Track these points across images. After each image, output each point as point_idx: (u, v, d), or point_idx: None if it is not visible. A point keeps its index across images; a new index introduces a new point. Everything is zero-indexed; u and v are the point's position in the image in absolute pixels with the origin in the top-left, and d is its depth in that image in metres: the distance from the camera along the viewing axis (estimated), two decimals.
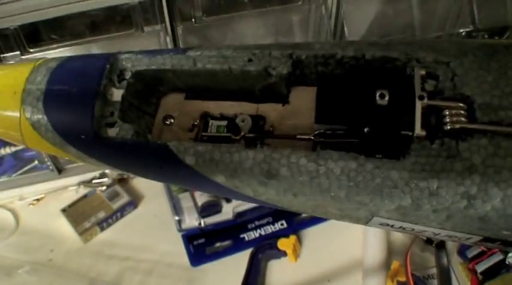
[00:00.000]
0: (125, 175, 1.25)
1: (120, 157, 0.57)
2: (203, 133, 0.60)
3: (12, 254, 1.11)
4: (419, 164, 0.49)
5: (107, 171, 1.24)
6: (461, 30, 1.10)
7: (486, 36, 1.22)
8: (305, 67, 0.59)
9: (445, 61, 0.54)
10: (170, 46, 0.94)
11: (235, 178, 0.54)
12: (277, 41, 1.01)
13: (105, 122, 0.57)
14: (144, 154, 0.55)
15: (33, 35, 0.87)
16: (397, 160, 0.50)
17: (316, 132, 0.55)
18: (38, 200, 1.22)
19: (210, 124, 0.61)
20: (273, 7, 0.97)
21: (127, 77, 0.60)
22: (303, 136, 0.56)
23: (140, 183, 1.25)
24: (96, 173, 1.24)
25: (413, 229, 0.56)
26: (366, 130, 0.53)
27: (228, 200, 1.17)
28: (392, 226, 0.57)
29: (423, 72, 0.53)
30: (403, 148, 0.51)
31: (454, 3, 1.08)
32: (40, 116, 0.57)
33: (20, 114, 0.57)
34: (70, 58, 0.61)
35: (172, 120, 0.62)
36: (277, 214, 1.15)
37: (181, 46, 0.93)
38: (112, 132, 0.56)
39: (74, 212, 1.17)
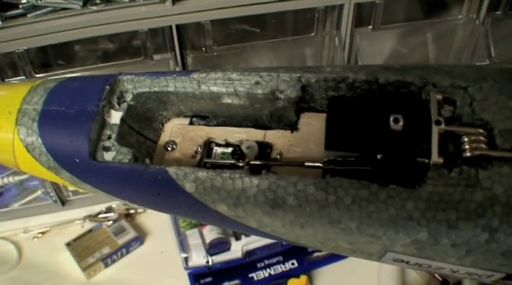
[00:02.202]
0: (131, 209, 1.24)
1: (116, 183, 0.54)
2: (206, 160, 0.57)
3: None
4: (437, 194, 0.45)
5: (113, 205, 1.23)
6: (478, 64, 1.07)
7: None
8: (315, 92, 0.56)
9: (463, 86, 0.51)
10: None
11: (238, 207, 0.50)
12: None
13: (102, 145, 0.54)
14: (141, 179, 0.52)
15: (41, 59, 0.87)
16: (412, 189, 0.46)
17: (326, 159, 0.52)
18: (42, 233, 1.19)
19: (214, 151, 0.58)
20: (285, 38, 0.96)
21: (128, 99, 0.57)
22: (311, 164, 0.52)
23: (147, 218, 1.23)
24: (103, 207, 1.22)
25: (430, 266, 0.51)
26: (379, 156, 0.49)
27: (237, 238, 1.13)
28: (407, 263, 0.52)
29: (440, 97, 0.50)
30: (419, 176, 0.47)
31: (470, 37, 1.06)
32: (34, 138, 0.54)
33: (14, 135, 0.55)
34: (70, 79, 0.59)
35: (174, 146, 0.59)
36: (288, 252, 1.11)
37: None
38: (108, 156, 0.53)
39: (79, 247, 1.14)
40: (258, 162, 0.54)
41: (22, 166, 0.57)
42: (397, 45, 1.09)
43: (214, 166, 0.56)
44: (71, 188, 1.14)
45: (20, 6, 0.80)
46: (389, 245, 0.48)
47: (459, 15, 1.02)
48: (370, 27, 0.98)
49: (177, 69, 0.93)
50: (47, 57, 0.88)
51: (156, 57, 0.91)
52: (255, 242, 1.12)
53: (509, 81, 0.50)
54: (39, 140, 0.54)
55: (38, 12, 0.80)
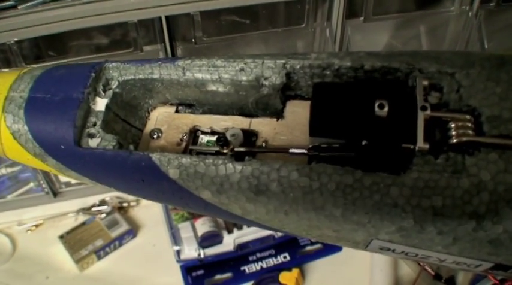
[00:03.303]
0: (124, 203, 1.24)
1: (100, 169, 0.54)
2: (191, 147, 0.57)
3: (7, 280, 1.09)
4: (422, 180, 0.45)
5: (106, 198, 1.23)
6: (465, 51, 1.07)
7: None
8: (300, 79, 0.55)
9: (450, 72, 0.50)
10: None
11: (221, 193, 0.50)
12: None
13: (87, 132, 0.54)
14: (125, 166, 0.52)
15: (32, 51, 0.87)
16: (397, 176, 0.46)
17: (311, 146, 0.51)
18: (36, 226, 1.20)
19: (199, 139, 0.58)
20: (276, 29, 0.96)
21: (113, 86, 0.57)
22: (296, 151, 0.52)
23: (140, 212, 1.23)
24: (96, 200, 1.22)
25: (416, 255, 0.51)
26: (363, 143, 0.48)
27: (230, 231, 1.13)
28: (393, 251, 0.52)
29: (426, 83, 0.49)
30: (404, 162, 0.47)
31: (463, 30, 1.06)
32: (20, 124, 0.54)
33: (0, 122, 0.55)
34: (56, 66, 0.59)
35: (160, 134, 0.59)
36: (280, 246, 1.11)
37: None
38: (93, 143, 0.53)
39: (72, 239, 1.15)
40: (242, 149, 0.53)
41: (9, 153, 0.57)
42: (389, 38, 1.08)
43: (200, 154, 0.56)
44: (60, 177, 1.15)
45: None
46: (375, 232, 0.48)
47: (452, 7, 1.02)
48: (362, 18, 0.97)
49: None
50: (38, 49, 0.88)
51: (146, 48, 0.91)
52: (247, 235, 1.12)
53: (497, 67, 0.49)
54: (25, 127, 0.54)
55: (28, 4, 0.80)
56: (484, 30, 1.04)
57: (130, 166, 0.51)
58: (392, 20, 1.02)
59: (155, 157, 0.50)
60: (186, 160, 0.50)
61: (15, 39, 0.82)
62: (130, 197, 1.25)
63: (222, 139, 0.53)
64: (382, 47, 1.09)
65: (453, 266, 0.53)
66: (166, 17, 0.85)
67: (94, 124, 0.54)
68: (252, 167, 0.48)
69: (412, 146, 0.47)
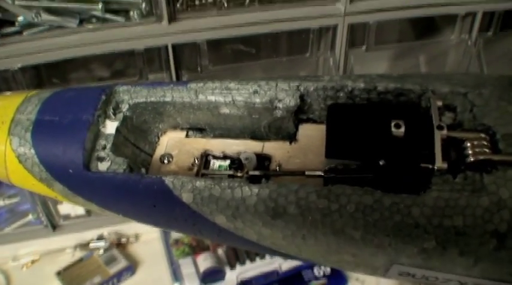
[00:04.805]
0: (123, 238, 1.21)
1: (110, 194, 0.52)
2: (203, 171, 0.55)
3: None
4: (443, 200, 0.44)
5: (104, 233, 1.20)
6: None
7: None
8: (313, 101, 0.55)
9: (462, 92, 0.50)
10: None
11: (237, 218, 0.48)
12: None
13: (96, 156, 0.53)
14: (137, 190, 0.50)
15: (34, 78, 0.86)
16: (417, 195, 0.45)
17: (327, 168, 0.50)
18: (32, 261, 1.17)
19: (211, 163, 0.57)
20: (281, 58, 0.97)
21: (124, 110, 0.56)
22: (312, 173, 0.51)
23: (139, 247, 1.20)
24: (94, 236, 1.19)
25: (437, 278, 0.49)
26: (381, 163, 0.47)
27: (232, 266, 1.11)
28: (413, 276, 0.50)
29: (440, 103, 0.49)
30: (423, 182, 0.46)
31: (462, 58, 1.07)
32: (27, 148, 0.53)
33: (6, 145, 0.53)
34: (65, 89, 0.58)
35: (170, 159, 0.57)
36: (284, 281, 1.09)
37: None
38: (103, 166, 0.52)
39: (69, 276, 1.11)
40: (257, 173, 0.52)
41: (13, 178, 0.55)
42: (390, 67, 1.09)
43: (212, 177, 0.54)
44: (60, 209, 1.12)
45: (16, 23, 0.80)
46: (395, 256, 0.47)
47: (451, 35, 1.04)
48: (364, 47, 0.99)
49: None
50: (41, 76, 0.87)
51: (151, 77, 0.91)
52: (250, 271, 1.10)
53: (509, 87, 0.50)
54: (32, 150, 0.53)
55: (33, 30, 0.80)
56: (484, 57, 1.06)
57: (142, 190, 0.50)
58: (393, 49, 1.04)
59: (168, 180, 0.49)
60: (200, 183, 0.48)
61: (19, 66, 0.81)
62: (129, 232, 1.22)
63: (236, 162, 0.51)
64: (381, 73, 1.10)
65: None
66: (173, 46, 0.86)
67: (104, 148, 0.53)
68: (270, 190, 0.47)
69: (430, 166, 0.46)
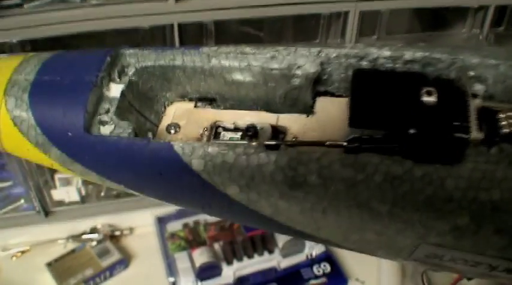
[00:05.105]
0: (117, 231, 1.18)
1: (112, 161, 0.48)
2: (213, 142, 0.51)
3: None
4: (480, 172, 0.41)
5: (98, 226, 1.18)
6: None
7: None
8: (334, 71, 0.51)
9: (494, 63, 0.47)
10: None
11: (251, 188, 0.44)
12: None
13: (98, 119, 0.48)
14: (142, 156, 0.46)
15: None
16: (451, 166, 0.41)
17: (350, 137, 0.46)
18: (22, 252, 1.14)
19: (221, 135, 0.52)
20: (289, 43, 0.94)
21: (130, 73, 0.52)
22: (333, 143, 0.47)
23: (133, 241, 1.18)
24: (87, 226, 1.17)
25: (466, 261, 0.46)
26: (411, 132, 0.44)
27: (229, 262, 1.09)
28: (441, 258, 0.46)
29: (472, 73, 0.47)
30: (457, 154, 0.42)
31: None
32: (24, 109, 0.49)
33: (0, 107, 0.49)
34: (67, 51, 0.54)
35: (178, 129, 0.53)
36: (282, 279, 1.08)
37: None
38: (105, 130, 0.48)
39: (60, 268, 1.09)
40: (273, 142, 0.48)
41: (6, 143, 0.51)
42: None
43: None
44: (54, 194, 1.09)
45: None
46: (424, 234, 0.43)
47: (463, 29, 1.02)
48: (375, 37, 0.96)
49: None
50: (38, 51, 0.83)
51: None
52: (248, 267, 1.08)
53: None
54: (29, 112, 0.49)
55: (35, 3, 0.77)
56: None
57: (148, 156, 0.46)
58: (403, 40, 1.02)
59: (177, 145, 0.45)
60: (212, 148, 0.44)
61: (18, 39, 0.78)
62: (123, 225, 1.19)
63: (251, 130, 0.47)
64: None
65: (503, 276, 0.47)
66: (179, 25, 0.82)
67: (107, 111, 0.49)
68: (289, 157, 0.43)
69: (465, 136, 0.43)
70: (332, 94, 0.54)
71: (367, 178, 0.42)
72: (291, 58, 0.50)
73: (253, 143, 0.47)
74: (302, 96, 0.52)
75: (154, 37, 0.85)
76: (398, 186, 0.41)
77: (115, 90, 0.50)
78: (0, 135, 0.50)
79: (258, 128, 0.50)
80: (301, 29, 0.94)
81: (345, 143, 0.46)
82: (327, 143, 0.47)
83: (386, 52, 0.49)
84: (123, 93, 0.50)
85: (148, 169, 0.47)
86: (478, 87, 0.48)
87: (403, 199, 0.41)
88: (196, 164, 0.44)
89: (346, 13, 0.90)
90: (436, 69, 0.49)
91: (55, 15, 0.77)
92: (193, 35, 0.87)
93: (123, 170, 0.48)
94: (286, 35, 0.93)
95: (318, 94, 0.54)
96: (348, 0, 0.88)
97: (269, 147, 0.46)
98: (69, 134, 0.47)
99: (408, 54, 0.49)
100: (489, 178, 0.41)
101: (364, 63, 0.50)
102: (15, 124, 0.49)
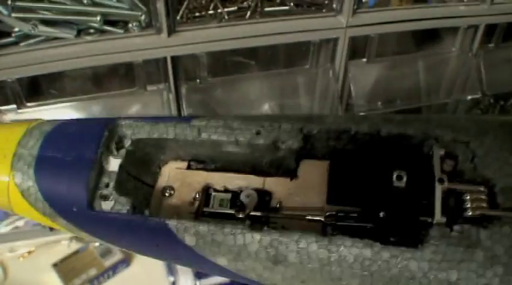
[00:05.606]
0: None
1: (114, 233, 0.53)
2: (205, 209, 0.56)
3: None
4: (439, 254, 0.45)
5: None
6: (469, 97, 1.09)
7: (492, 100, 1.21)
8: (316, 142, 0.55)
9: (464, 140, 0.51)
10: (173, 104, 0.91)
11: (238, 261, 0.49)
12: (282, 102, 0.99)
13: (99, 194, 0.53)
14: (140, 231, 0.51)
15: (32, 88, 0.85)
16: (415, 249, 0.46)
17: (328, 214, 0.51)
18: (28, 253, 1.18)
19: (212, 196, 0.57)
20: (280, 70, 0.96)
21: (126, 145, 0.56)
22: (313, 218, 0.52)
23: None
24: None
25: None
26: (381, 214, 0.49)
27: None
28: None
29: (442, 152, 0.50)
30: (422, 235, 0.47)
31: (461, 68, 1.07)
32: (30, 184, 0.53)
33: (9, 179, 0.53)
34: (66, 122, 0.58)
35: (172, 192, 0.58)
36: None
37: (184, 105, 0.91)
38: (106, 206, 0.52)
39: (65, 268, 1.13)
40: (258, 214, 0.53)
41: (16, 209, 0.56)
42: (388, 73, 1.09)
43: (213, 215, 0.55)
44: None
45: (13, 34, 0.78)
46: None
47: (452, 47, 1.04)
48: (364, 59, 0.98)
49: (171, 97, 0.91)
50: (38, 86, 0.86)
51: (150, 87, 0.90)
52: None
53: (510, 135, 0.50)
54: (36, 186, 0.53)
55: (30, 41, 0.79)
56: (483, 69, 1.06)
57: (145, 231, 0.51)
58: (393, 61, 1.03)
59: (171, 223, 0.49)
60: (203, 228, 0.49)
61: (16, 77, 0.80)
62: None
63: (238, 203, 0.52)
64: (381, 82, 1.10)
65: None
66: (172, 57, 0.85)
67: (107, 186, 0.53)
68: (271, 238, 0.48)
69: (429, 220, 0.47)
70: (315, 157, 0.58)
71: (340, 259, 0.46)
72: (275, 135, 0.54)
73: (240, 215, 0.52)
74: (286, 163, 0.57)
75: (149, 70, 0.87)
76: (368, 266, 0.46)
77: (113, 163, 0.54)
78: (10, 204, 0.55)
79: (245, 197, 0.54)
80: (291, 56, 0.95)
81: (322, 219, 0.52)
82: (308, 217, 0.53)
83: (364, 129, 0.53)
84: (121, 166, 0.54)
85: (146, 241, 0.52)
86: (449, 163, 0.52)
87: (371, 276, 0.46)
88: (189, 240, 0.49)
89: (336, 39, 0.92)
90: (409, 144, 0.53)
91: (50, 53, 0.79)
92: (187, 66, 0.89)
93: (125, 240, 0.54)
94: (277, 62, 0.94)
95: (302, 156, 0.58)
96: (338, 27, 0.90)
97: (254, 220, 0.51)
98: (74, 209, 0.52)
99: (384, 131, 0.53)
100: (448, 259, 0.45)
101: (344, 137, 0.54)
102: (23, 196, 0.53)
